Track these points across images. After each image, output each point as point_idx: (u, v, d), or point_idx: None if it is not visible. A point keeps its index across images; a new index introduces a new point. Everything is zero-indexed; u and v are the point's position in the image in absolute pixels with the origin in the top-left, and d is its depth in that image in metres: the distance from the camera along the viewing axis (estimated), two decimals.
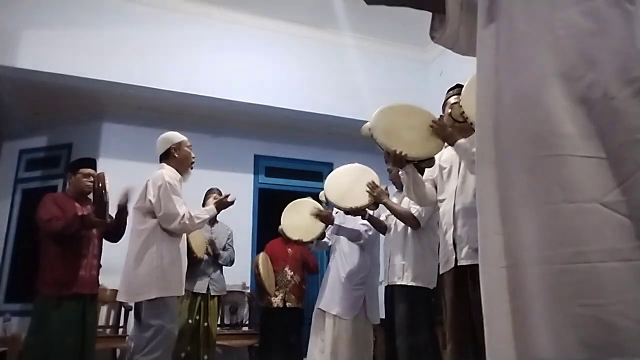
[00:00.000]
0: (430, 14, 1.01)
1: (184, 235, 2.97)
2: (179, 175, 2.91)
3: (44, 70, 4.31)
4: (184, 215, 2.75)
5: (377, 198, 2.90)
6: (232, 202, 3.07)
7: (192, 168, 3.01)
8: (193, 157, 3.01)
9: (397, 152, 2.25)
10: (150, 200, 2.74)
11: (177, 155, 2.94)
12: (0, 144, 5.42)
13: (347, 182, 3.06)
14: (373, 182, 2.94)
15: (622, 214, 0.59)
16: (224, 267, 4.14)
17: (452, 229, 2.22)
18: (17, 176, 5.32)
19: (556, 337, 0.60)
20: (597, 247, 0.59)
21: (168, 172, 2.85)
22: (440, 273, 2.34)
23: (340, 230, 3.32)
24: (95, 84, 4.52)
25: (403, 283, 2.86)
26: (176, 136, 2.99)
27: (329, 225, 3.43)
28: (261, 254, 4.16)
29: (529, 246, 0.64)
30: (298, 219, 3.44)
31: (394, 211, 2.91)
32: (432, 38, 1.02)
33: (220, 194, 3.96)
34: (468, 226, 2.15)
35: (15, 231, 5.13)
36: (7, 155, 5.38)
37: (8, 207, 5.19)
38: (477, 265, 2.14)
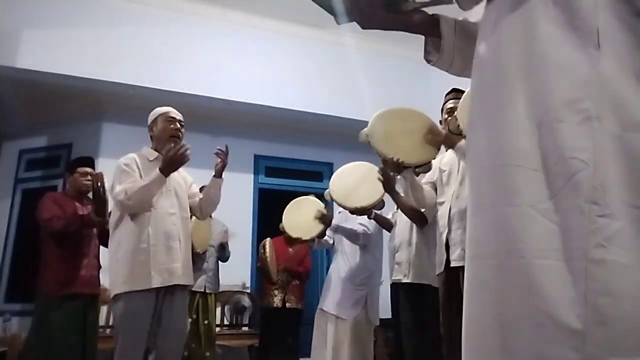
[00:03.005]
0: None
1: (171, 219, 2.51)
2: (155, 154, 2.58)
3: (44, 70, 4.31)
4: (119, 192, 2.39)
5: (387, 186, 2.82)
6: (180, 153, 2.46)
7: (176, 138, 2.59)
8: (174, 128, 2.61)
9: (395, 160, 2.29)
10: (111, 188, 2.51)
11: (153, 133, 2.65)
12: (0, 144, 5.42)
13: (353, 181, 3.04)
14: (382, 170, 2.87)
15: (551, 220, 0.69)
16: (220, 264, 4.15)
17: (446, 231, 2.28)
18: (17, 176, 5.32)
19: (498, 318, 0.72)
20: (529, 246, 0.69)
21: (129, 155, 2.58)
22: (436, 274, 2.39)
23: (338, 229, 3.31)
24: (95, 84, 4.52)
25: (409, 281, 2.85)
26: (155, 111, 2.70)
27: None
28: (268, 239, 4.16)
29: (478, 242, 0.76)
30: (299, 217, 3.44)
31: (401, 205, 2.88)
32: (428, 61, 1.10)
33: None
34: (462, 229, 2.21)
35: (15, 231, 5.14)
36: (7, 155, 5.38)
37: (8, 207, 5.19)
38: None
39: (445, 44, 1.03)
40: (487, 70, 0.82)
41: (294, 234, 3.42)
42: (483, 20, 0.88)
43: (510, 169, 0.73)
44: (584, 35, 0.72)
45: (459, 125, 2.07)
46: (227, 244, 4.19)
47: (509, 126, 0.75)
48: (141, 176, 2.50)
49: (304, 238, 3.44)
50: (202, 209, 2.80)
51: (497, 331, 0.70)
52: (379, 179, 2.83)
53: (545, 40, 0.74)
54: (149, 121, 2.70)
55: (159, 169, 2.45)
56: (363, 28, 1.02)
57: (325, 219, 3.34)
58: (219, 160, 2.74)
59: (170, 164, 2.46)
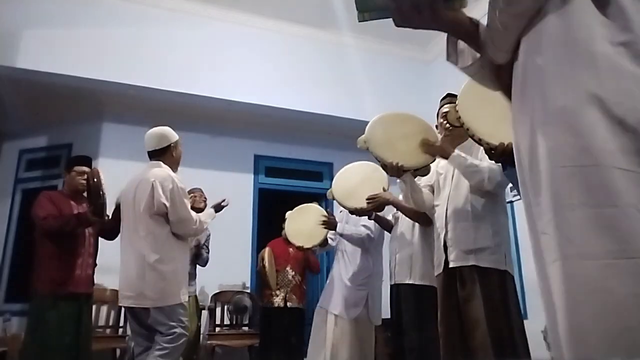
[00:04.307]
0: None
1: None
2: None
3: (44, 70, 4.31)
4: (197, 220, 2.76)
5: (383, 203, 2.90)
6: (226, 205, 3.18)
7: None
8: None
9: (394, 164, 2.31)
10: (164, 204, 2.65)
11: (175, 154, 2.86)
12: (0, 144, 5.42)
13: (355, 180, 3.04)
14: (371, 197, 2.91)
15: None
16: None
17: (443, 232, 2.30)
18: (17, 176, 5.32)
19: (603, 321, 0.70)
20: (638, 246, 0.69)
21: (173, 174, 2.78)
22: (435, 275, 2.40)
23: (343, 236, 3.31)
24: (95, 84, 4.52)
25: (411, 282, 2.84)
26: (173, 133, 2.90)
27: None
28: (267, 249, 4.16)
29: (576, 243, 0.74)
30: (302, 225, 3.43)
31: (403, 209, 2.89)
32: (451, 62, 1.08)
33: (202, 192, 4.13)
34: (459, 229, 2.24)
35: (15, 231, 5.13)
36: (7, 155, 5.38)
37: (8, 207, 5.19)
38: (466, 267, 2.25)
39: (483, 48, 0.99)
40: (552, 66, 0.81)
41: (296, 242, 3.44)
42: (539, 23, 0.86)
43: (604, 170, 0.72)
44: None
45: (459, 118, 2.06)
46: (208, 248, 4.18)
47: (586, 124, 0.74)
48: None
49: (306, 246, 3.45)
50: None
51: (615, 329, 0.69)
52: (368, 203, 2.87)
53: (608, 48, 0.75)
54: (168, 141, 2.85)
55: (215, 211, 3.10)
56: (398, 25, 0.96)
57: (329, 224, 3.33)
58: (223, 206, 3.19)
59: (221, 209, 3.15)
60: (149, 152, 2.85)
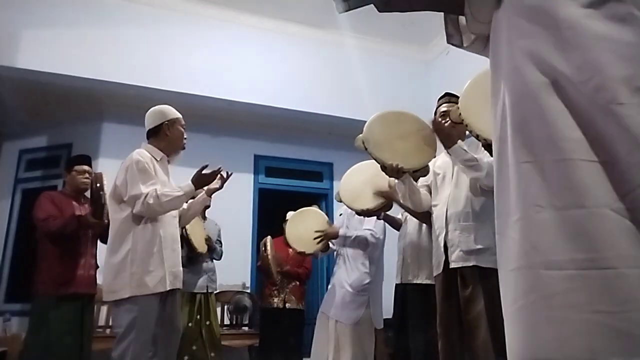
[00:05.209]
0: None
1: (175, 223, 2.58)
2: (161, 155, 2.57)
3: (44, 70, 4.30)
4: (147, 194, 2.32)
5: (389, 198, 2.86)
6: (218, 185, 2.66)
7: (183, 149, 2.67)
8: (185, 138, 2.66)
9: (394, 166, 2.29)
10: (116, 185, 2.42)
11: (168, 134, 2.59)
12: (0, 144, 5.42)
13: (361, 182, 3.00)
14: (380, 191, 2.88)
15: (633, 220, 0.59)
16: (218, 263, 4.15)
17: (444, 233, 2.29)
18: (17, 176, 5.32)
19: (565, 342, 0.60)
20: (609, 254, 0.59)
21: (142, 151, 2.50)
22: (434, 275, 2.39)
23: (346, 242, 3.29)
24: (95, 84, 4.52)
25: (418, 282, 2.84)
26: (171, 111, 2.64)
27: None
28: (268, 237, 4.13)
29: (541, 250, 0.64)
30: (303, 230, 3.40)
31: (408, 209, 2.89)
32: (459, 45, 0.96)
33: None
34: (459, 230, 2.23)
35: (15, 231, 5.13)
36: (7, 155, 5.38)
37: (8, 207, 5.19)
38: (467, 267, 2.24)
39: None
40: (517, 45, 0.69)
41: (297, 247, 3.40)
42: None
43: (570, 164, 0.62)
44: None
45: (460, 114, 2.06)
46: (221, 242, 4.18)
47: (549, 112, 0.64)
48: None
49: (308, 252, 3.42)
50: (181, 219, 2.73)
51: (577, 352, 0.58)
52: (378, 195, 2.84)
53: (575, 11, 0.63)
54: (161, 119, 2.61)
55: (192, 182, 2.48)
56: (381, 11, 0.87)
57: (327, 237, 3.31)
58: (218, 182, 2.68)
59: (205, 181, 2.53)
60: (146, 134, 2.66)
